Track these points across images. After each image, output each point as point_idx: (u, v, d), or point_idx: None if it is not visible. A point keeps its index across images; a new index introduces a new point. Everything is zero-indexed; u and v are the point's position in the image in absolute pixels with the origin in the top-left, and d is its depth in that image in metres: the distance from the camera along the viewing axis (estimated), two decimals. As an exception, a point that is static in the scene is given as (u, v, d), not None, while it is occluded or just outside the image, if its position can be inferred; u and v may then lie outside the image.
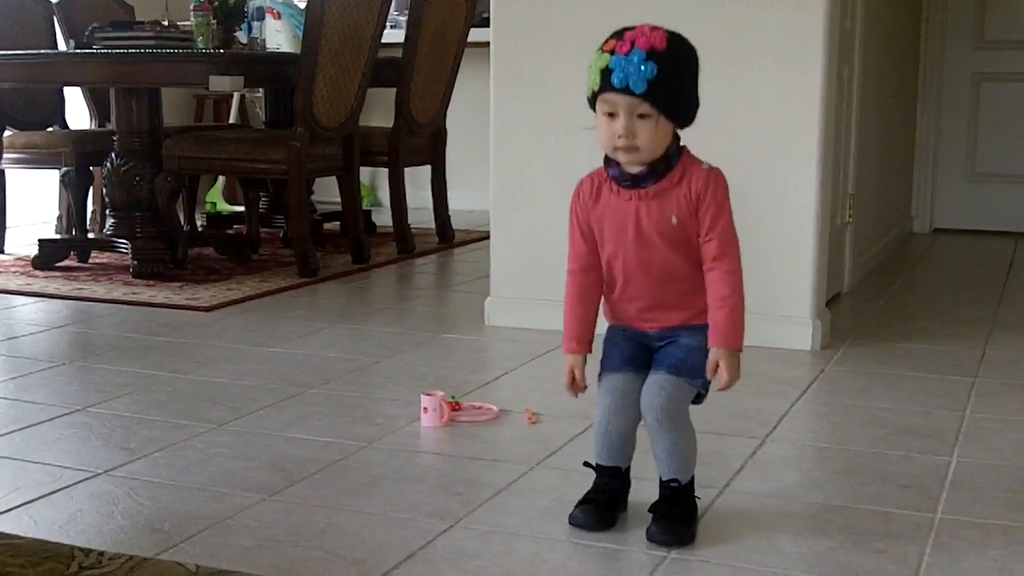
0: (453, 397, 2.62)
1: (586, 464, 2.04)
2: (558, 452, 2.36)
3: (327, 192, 5.75)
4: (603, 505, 1.97)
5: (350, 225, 4.75)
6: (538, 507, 2.06)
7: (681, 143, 1.86)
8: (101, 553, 1.84)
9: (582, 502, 1.98)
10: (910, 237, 5.69)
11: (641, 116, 1.77)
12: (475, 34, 5.16)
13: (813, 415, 2.72)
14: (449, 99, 5.27)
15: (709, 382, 1.90)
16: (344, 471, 2.25)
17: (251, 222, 4.96)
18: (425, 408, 2.54)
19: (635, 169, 1.84)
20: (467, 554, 1.86)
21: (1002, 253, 5.12)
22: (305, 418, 2.60)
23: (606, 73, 1.76)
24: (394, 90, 4.92)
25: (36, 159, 4.79)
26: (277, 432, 2.49)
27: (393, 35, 5.33)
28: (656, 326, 1.92)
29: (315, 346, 3.30)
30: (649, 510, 1.95)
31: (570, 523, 1.96)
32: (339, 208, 5.01)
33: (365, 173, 5.73)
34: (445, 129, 5.31)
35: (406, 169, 5.06)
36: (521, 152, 3.49)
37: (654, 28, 1.78)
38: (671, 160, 1.84)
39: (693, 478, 1.96)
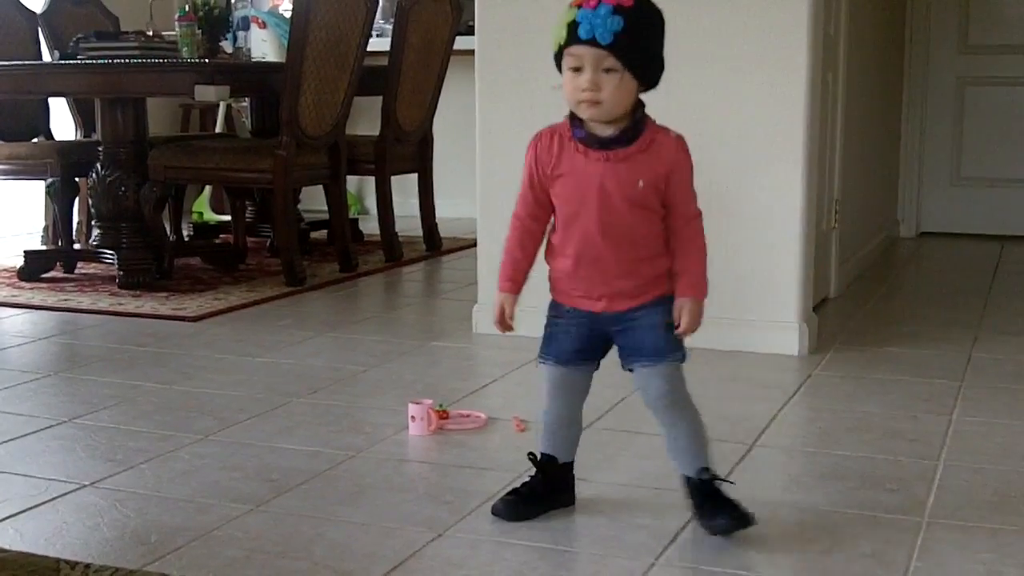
0: (441, 405, 2.61)
1: (529, 455, 2.07)
2: (546, 459, 2.35)
3: (314, 201, 5.75)
4: (524, 497, 2.03)
5: (337, 234, 4.75)
6: (526, 515, 2.06)
7: (654, 99, 1.87)
8: (87, 566, 1.83)
9: (507, 494, 2.05)
10: (896, 241, 5.71)
11: (607, 70, 1.79)
12: (461, 42, 5.16)
13: (800, 420, 2.72)
14: (435, 107, 5.28)
15: (685, 348, 1.94)
16: (332, 481, 2.25)
17: (238, 231, 4.96)
18: (413, 417, 2.54)
19: (606, 132, 1.85)
20: (455, 563, 1.86)
21: (988, 257, 5.14)
22: (292, 428, 2.60)
23: (573, 26, 1.78)
24: (380, 98, 4.92)
25: (21, 170, 4.77)
26: (264, 442, 2.49)
27: (379, 43, 5.33)
28: (605, 302, 1.91)
29: (302, 355, 3.29)
30: (697, 512, 1.95)
31: (492, 513, 2.03)
32: (326, 217, 5.01)
33: (352, 181, 5.73)
34: (432, 137, 5.31)
35: (393, 177, 5.06)
36: (507, 159, 3.49)
37: None
38: (639, 125, 1.86)
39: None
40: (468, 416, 2.63)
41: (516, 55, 3.45)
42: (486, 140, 3.52)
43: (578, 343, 1.95)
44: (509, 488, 2.12)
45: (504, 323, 1.99)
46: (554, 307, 1.98)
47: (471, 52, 3.60)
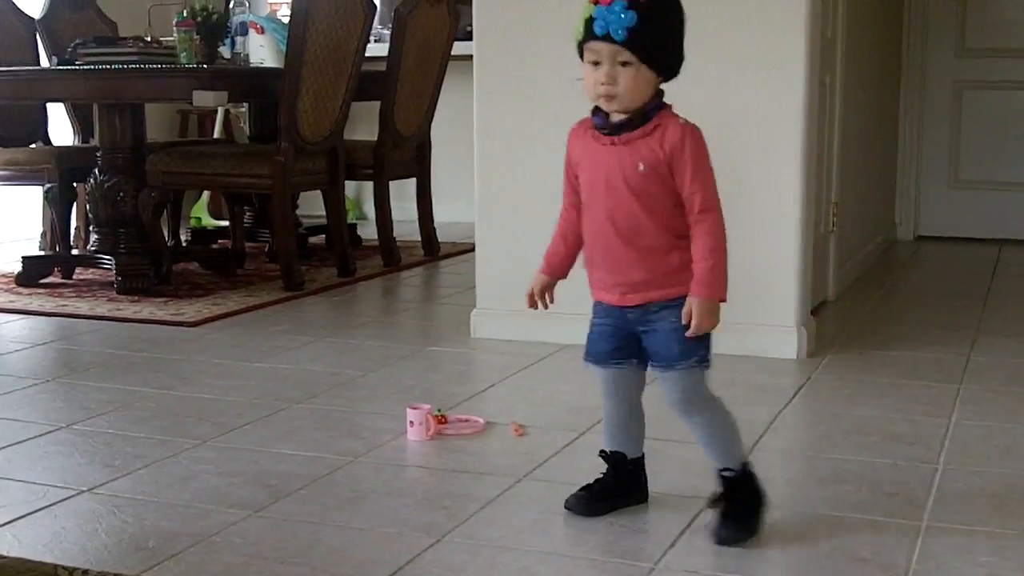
0: (439, 410, 2.61)
1: (600, 453, 2.09)
2: (545, 464, 2.35)
3: (312, 206, 5.75)
4: (597, 493, 2.05)
5: (335, 239, 4.75)
6: (525, 520, 2.06)
7: (665, 99, 1.90)
8: (85, 572, 1.83)
9: (580, 489, 2.05)
10: (894, 244, 5.71)
11: (623, 64, 1.82)
12: (459, 47, 5.17)
13: (799, 423, 2.72)
14: (433, 112, 5.28)
15: (708, 348, 1.92)
16: (330, 486, 2.25)
17: (236, 237, 4.96)
18: (411, 422, 2.53)
19: (617, 118, 1.88)
20: (454, 568, 1.86)
21: (986, 260, 5.14)
22: (291, 433, 2.59)
23: (589, 23, 1.82)
24: (378, 103, 4.92)
25: (19, 175, 4.77)
26: (262, 448, 2.48)
27: (377, 49, 5.33)
28: (619, 293, 1.91)
29: (300, 360, 3.29)
30: (709, 506, 1.96)
31: (564, 507, 2.05)
32: (324, 222, 5.01)
33: (350, 186, 5.74)
34: (430, 142, 5.31)
35: (391, 182, 5.06)
36: (505, 164, 3.49)
37: None
38: (649, 112, 1.87)
39: (748, 466, 1.97)
40: (466, 421, 2.63)
41: (514, 60, 3.45)
42: (484, 145, 3.52)
43: (612, 342, 1.96)
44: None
45: (531, 299, 2.03)
46: (593, 305, 2.00)
47: (469, 57, 3.60)
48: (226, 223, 5.41)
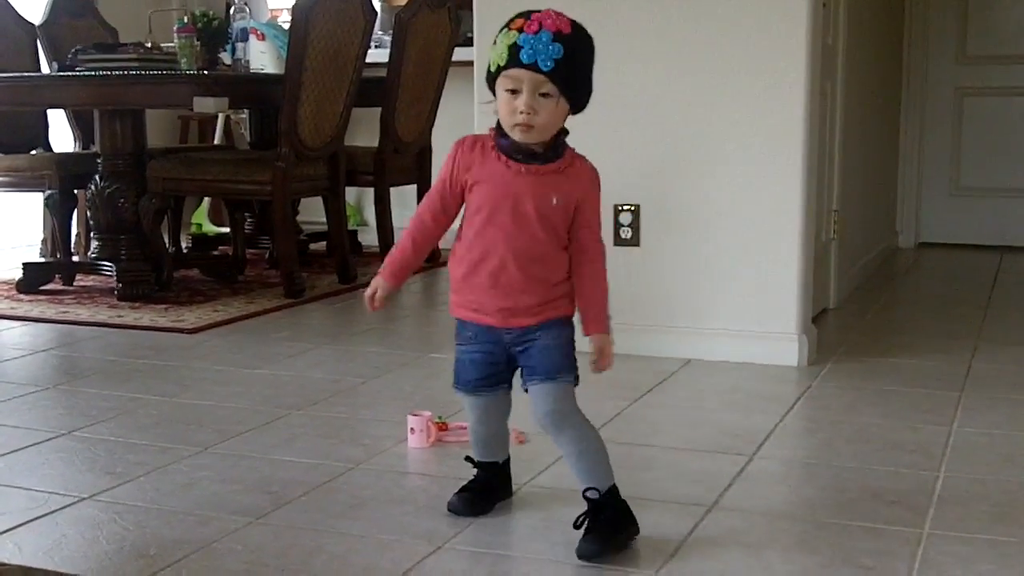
0: (440, 417, 2.61)
1: (467, 459, 2.16)
2: (545, 471, 2.35)
3: (313, 212, 5.75)
4: (479, 494, 2.12)
5: (336, 245, 4.75)
6: (526, 527, 2.06)
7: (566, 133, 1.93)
8: (86, 579, 1.83)
9: (460, 491, 2.13)
10: (895, 252, 5.71)
11: (543, 95, 1.84)
12: (459, 53, 5.17)
13: (800, 431, 2.72)
14: (434, 118, 5.28)
15: (576, 368, 1.96)
16: (331, 493, 2.24)
17: (236, 243, 4.95)
18: (412, 429, 2.53)
19: (534, 146, 1.89)
20: (455, 575, 1.86)
21: (987, 267, 5.14)
22: (291, 440, 2.59)
23: (514, 49, 1.83)
24: (379, 110, 4.93)
25: (20, 182, 4.77)
26: (263, 455, 2.48)
27: (378, 55, 5.34)
28: (501, 316, 1.93)
29: (301, 367, 3.29)
30: (575, 525, 1.94)
31: (448, 510, 2.10)
32: (325, 228, 5.01)
33: (351, 193, 5.74)
34: (430, 148, 5.31)
35: (392, 188, 5.06)
36: (506, 171, 3.49)
37: (559, 13, 1.85)
38: (560, 147, 1.91)
39: (615, 488, 1.96)
40: (467, 428, 2.62)
41: (515, 66, 3.44)
42: (485, 151, 3.51)
43: (482, 370, 1.98)
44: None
45: (372, 302, 2.01)
46: (458, 330, 2.01)
47: (470, 63, 3.61)
48: (227, 230, 5.41)
